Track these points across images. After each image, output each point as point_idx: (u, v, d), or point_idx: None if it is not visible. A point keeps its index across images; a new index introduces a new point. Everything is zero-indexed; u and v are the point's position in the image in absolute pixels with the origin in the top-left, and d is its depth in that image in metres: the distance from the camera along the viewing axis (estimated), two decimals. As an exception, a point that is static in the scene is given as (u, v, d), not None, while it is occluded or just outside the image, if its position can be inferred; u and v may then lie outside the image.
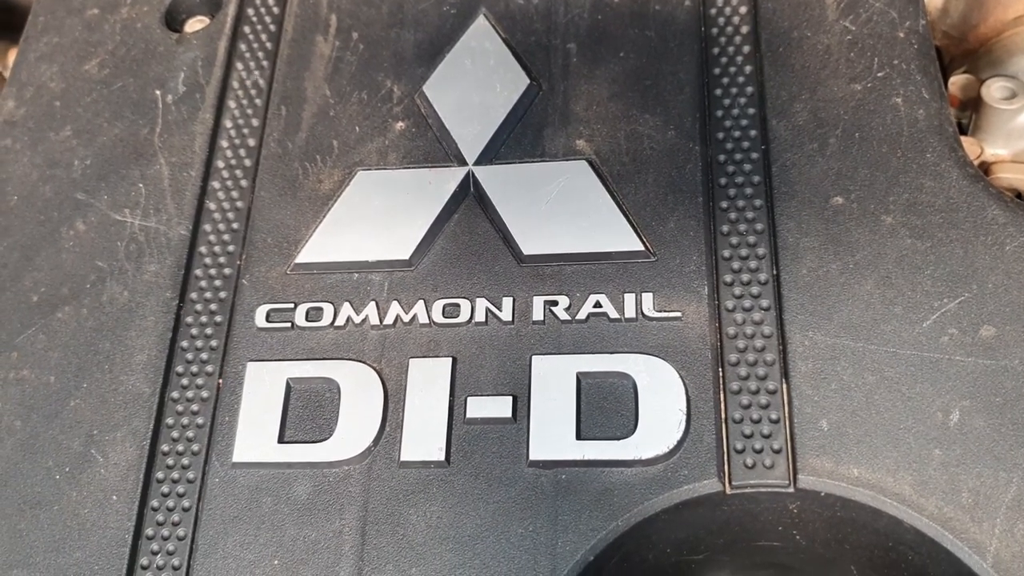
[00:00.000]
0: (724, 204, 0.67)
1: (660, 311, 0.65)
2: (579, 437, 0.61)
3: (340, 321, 0.68)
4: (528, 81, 0.75)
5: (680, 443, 0.60)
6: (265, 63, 0.79)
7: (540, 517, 0.60)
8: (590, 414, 0.62)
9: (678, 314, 0.64)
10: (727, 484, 0.59)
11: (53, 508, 0.64)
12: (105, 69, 0.82)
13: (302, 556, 0.61)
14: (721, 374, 0.62)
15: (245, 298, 0.70)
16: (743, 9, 0.75)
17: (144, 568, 0.62)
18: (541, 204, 0.69)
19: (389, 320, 0.67)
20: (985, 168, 0.81)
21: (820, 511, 0.60)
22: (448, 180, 0.72)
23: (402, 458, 0.62)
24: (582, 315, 0.65)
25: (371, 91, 0.77)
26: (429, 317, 0.67)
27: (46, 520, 0.64)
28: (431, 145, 0.74)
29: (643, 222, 0.68)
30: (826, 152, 0.68)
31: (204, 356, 0.68)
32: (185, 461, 0.64)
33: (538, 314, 0.66)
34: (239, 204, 0.74)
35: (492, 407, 0.63)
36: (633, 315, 0.65)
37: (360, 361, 0.66)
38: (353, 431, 0.64)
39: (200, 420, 0.66)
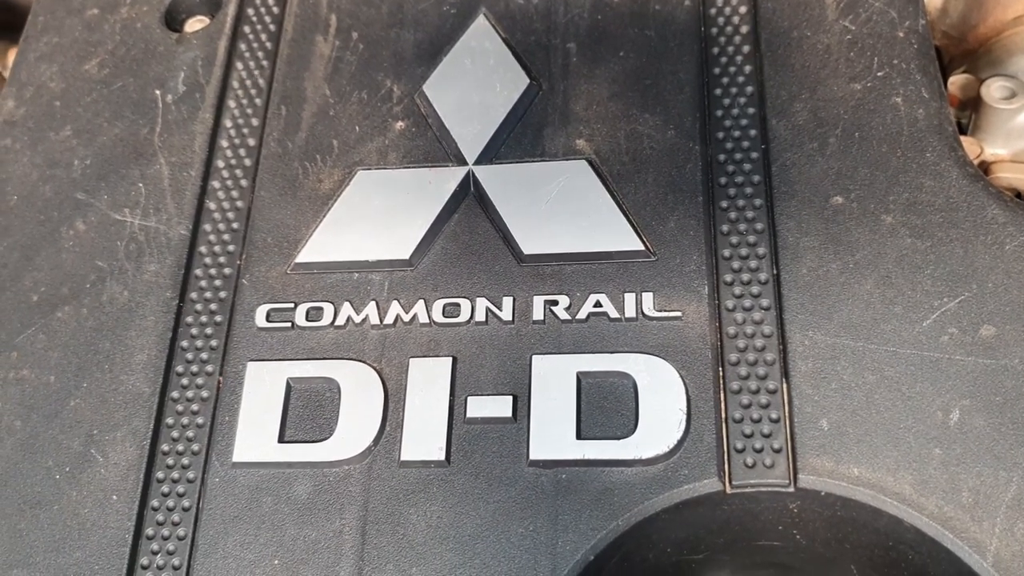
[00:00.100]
0: (724, 203, 0.68)
1: (660, 311, 0.65)
2: (579, 437, 0.61)
3: (340, 321, 0.68)
4: (528, 81, 0.75)
5: (680, 443, 0.60)
6: (265, 63, 0.79)
7: (540, 517, 0.60)
8: (590, 414, 0.62)
9: (678, 314, 0.64)
10: (727, 483, 0.59)
11: (53, 508, 0.64)
12: (105, 69, 0.82)
13: (302, 556, 0.61)
14: (721, 373, 0.62)
15: (245, 298, 0.70)
16: (743, 9, 0.75)
17: (144, 568, 0.62)
18: (541, 204, 0.69)
19: (389, 320, 0.67)
20: (985, 168, 0.81)
21: (820, 510, 0.60)
22: (448, 180, 0.72)
23: (402, 458, 0.62)
24: (582, 315, 0.65)
25: (371, 91, 0.77)
26: (429, 317, 0.67)
27: (46, 520, 0.64)
28: (431, 145, 0.74)
29: (643, 222, 0.68)
30: (826, 151, 0.68)
31: (204, 356, 0.68)
32: (185, 461, 0.64)
33: (538, 314, 0.66)
34: (239, 204, 0.73)
35: (492, 407, 0.63)
36: (633, 315, 0.65)
37: (360, 361, 0.66)
38: (353, 431, 0.64)
39: (200, 420, 0.66)
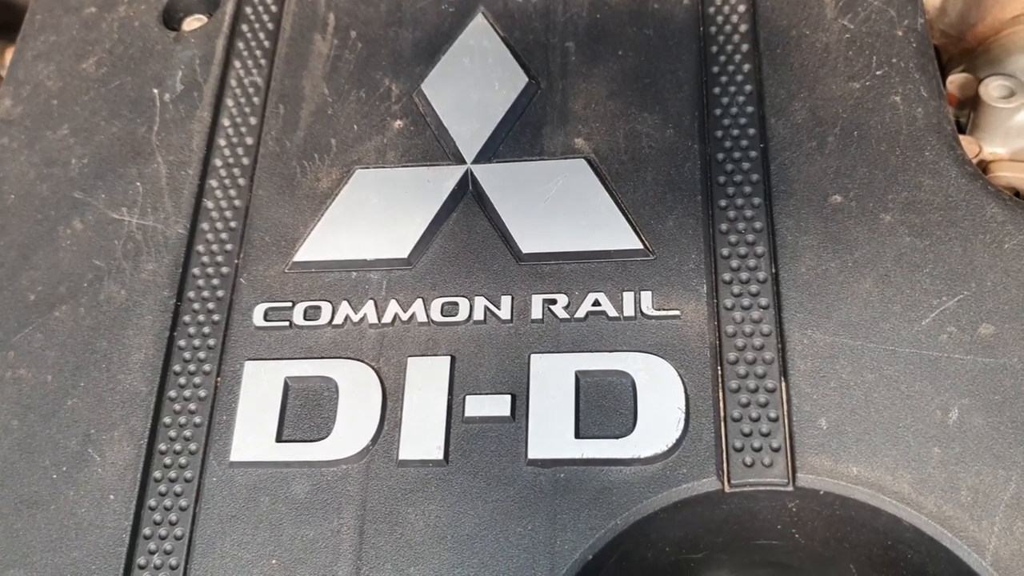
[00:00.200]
0: (723, 202, 0.67)
1: (659, 310, 0.65)
2: (578, 436, 0.61)
3: (338, 320, 0.68)
4: (527, 79, 0.74)
5: (679, 442, 0.60)
6: (263, 61, 0.79)
7: (539, 516, 0.59)
8: (589, 413, 0.62)
9: (677, 313, 0.64)
10: (726, 483, 0.59)
11: (50, 507, 0.64)
12: (103, 68, 0.82)
13: (300, 555, 0.60)
14: (720, 372, 0.62)
15: (243, 297, 0.70)
16: (741, 7, 0.75)
17: (142, 568, 0.61)
18: (540, 202, 0.69)
19: (387, 319, 0.67)
20: (983, 167, 0.81)
21: (819, 509, 0.60)
22: (446, 178, 0.71)
23: (400, 457, 0.62)
24: (581, 314, 0.65)
25: (369, 89, 0.77)
26: (428, 316, 0.67)
27: (43, 520, 0.64)
28: (429, 143, 0.74)
29: (642, 220, 0.68)
30: (825, 150, 0.68)
31: (202, 355, 0.68)
32: (183, 460, 0.64)
33: (537, 313, 0.66)
34: (237, 203, 0.73)
35: (491, 406, 0.63)
36: (632, 314, 0.65)
37: (358, 360, 0.66)
38: (351, 430, 0.63)
39: (198, 419, 0.65)
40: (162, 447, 0.65)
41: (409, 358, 0.65)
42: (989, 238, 0.63)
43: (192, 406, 0.66)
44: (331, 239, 0.71)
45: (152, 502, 0.63)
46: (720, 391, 0.61)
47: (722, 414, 0.61)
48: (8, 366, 0.69)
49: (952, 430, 0.58)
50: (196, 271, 0.71)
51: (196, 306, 0.70)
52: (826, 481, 0.58)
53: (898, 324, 0.62)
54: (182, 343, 0.68)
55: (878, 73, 0.70)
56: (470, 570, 0.58)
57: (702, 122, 0.71)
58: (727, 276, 0.65)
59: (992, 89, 0.79)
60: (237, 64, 0.80)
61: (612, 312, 0.65)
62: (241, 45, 0.80)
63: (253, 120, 0.77)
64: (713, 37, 0.74)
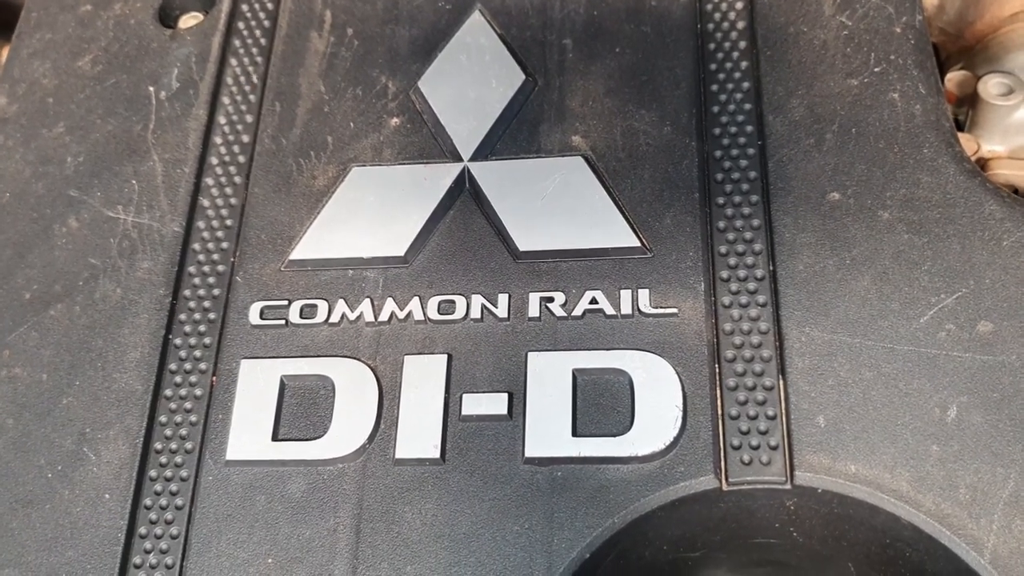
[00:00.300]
0: (720, 200, 0.67)
1: (656, 307, 0.64)
2: (575, 434, 0.61)
3: (335, 318, 0.67)
4: (524, 77, 0.74)
5: (676, 440, 0.60)
6: (259, 59, 0.79)
7: (536, 514, 0.59)
8: (586, 411, 0.62)
9: (674, 310, 0.64)
10: (724, 481, 0.59)
11: (45, 507, 0.64)
12: (98, 65, 0.82)
13: (296, 554, 0.60)
14: (717, 370, 0.62)
15: (239, 295, 0.69)
16: (739, 4, 0.74)
17: (137, 567, 0.61)
18: (537, 200, 0.69)
19: (384, 317, 0.67)
20: (982, 164, 0.80)
21: (817, 508, 0.59)
22: (443, 176, 0.71)
23: (397, 455, 0.62)
24: (578, 311, 0.65)
25: (366, 87, 0.76)
26: (424, 314, 0.67)
27: (38, 519, 0.63)
28: (426, 141, 0.73)
29: (639, 218, 0.68)
30: (823, 148, 0.68)
31: (197, 353, 0.67)
32: (178, 459, 0.64)
33: (534, 311, 0.65)
34: (233, 200, 0.73)
35: (488, 404, 0.63)
36: (629, 311, 0.65)
37: (355, 358, 0.66)
38: (347, 428, 0.63)
39: (193, 418, 0.65)
40: (158, 446, 0.65)
41: (406, 356, 0.65)
42: (987, 235, 0.63)
43: (188, 405, 0.66)
44: (327, 237, 0.70)
45: (148, 501, 0.63)
46: (718, 389, 0.61)
47: (720, 412, 0.60)
48: (3, 365, 0.69)
49: (950, 428, 0.58)
50: (192, 269, 0.71)
51: (192, 304, 0.69)
52: (824, 479, 0.58)
53: (896, 322, 0.61)
54: (178, 341, 0.68)
55: (876, 70, 0.70)
56: (467, 569, 0.58)
57: (700, 119, 0.71)
58: (725, 274, 0.65)
59: (990, 87, 0.79)
60: (233, 62, 0.79)
61: (609, 310, 0.65)
62: (237, 43, 0.80)
63: (249, 118, 0.76)
64: (711, 34, 0.74)
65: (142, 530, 0.62)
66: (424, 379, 0.64)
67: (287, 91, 0.77)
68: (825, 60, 0.71)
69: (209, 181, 0.74)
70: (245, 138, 0.76)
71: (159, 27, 0.83)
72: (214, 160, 0.75)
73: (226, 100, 0.78)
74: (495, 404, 0.62)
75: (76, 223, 0.74)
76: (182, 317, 0.69)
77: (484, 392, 0.63)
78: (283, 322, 0.68)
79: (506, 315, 0.66)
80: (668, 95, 0.72)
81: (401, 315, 0.67)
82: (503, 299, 0.66)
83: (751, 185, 0.67)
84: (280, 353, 0.67)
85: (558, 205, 0.69)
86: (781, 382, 0.61)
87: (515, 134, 0.73)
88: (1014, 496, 0.56)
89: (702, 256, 0.66)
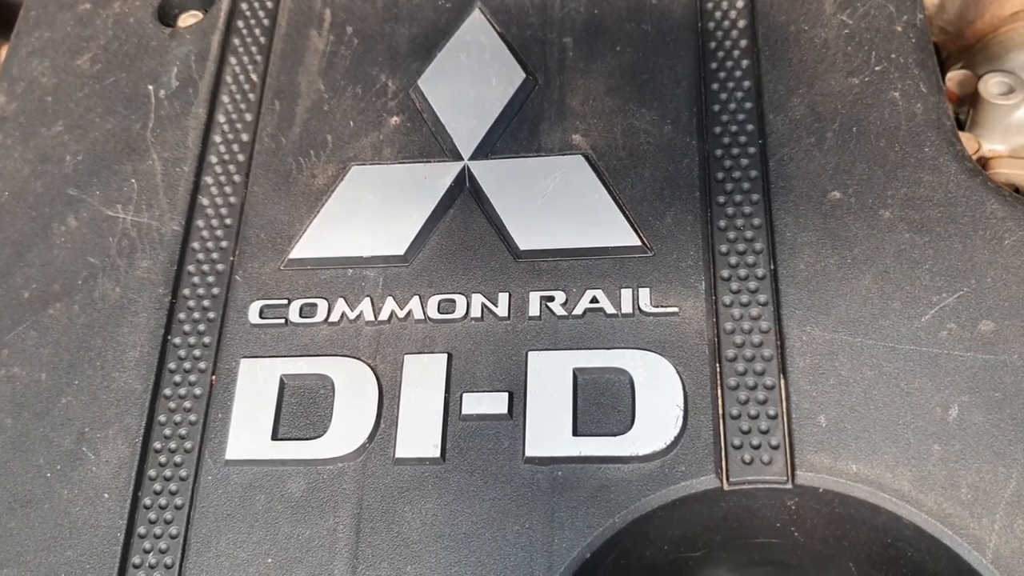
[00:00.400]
0: (721, 199, 0.67)
1: (657, 306, 0.64)
2: (575, 433, 0.61)
3: (334, 317, 0.67)
4: (524, 75, 0.74)
5: (677, 439, 0.60)
6: (259, 57, 0.79)
7: (536, 514, 0.59)
8: (587, 410, 0.62)
9: (675, 309, 0.64)
10: (724, 480, 0.59)
11: (44, 506, 0.63)
12: (97, 64, 0.82)
13: (296, 554, 0.60)
14: (718, 370, 0.62)
15: (238, 294, 0.69)
16: (740, 3, 0.74)
17: (136, 567, 0.61)
18: (537, 199, 0.69)
19: (384, 316, 0.67)
20: (983, 163, 0.80)
21: (818, 507, 0.59)
22: (443, 175, 0.71)
23: (397, 455, 0.62)
24: (578, 311, 0.65)
25: (365, 85, 0.76)
26: (424, 313, 0.66)
27: (37, 518, 0.63)
28: (426, 140, 0.73)
29: (640, 217, 0.67)
30: (824, 146, 0.68)
31: (197, 353, 0.67)
32: (178, 459, 0.64)
33: (534, 310, 0.65)
34: (232, 199, 0.73)
35: (488, 403, 0.62)
36: (630, 310, 0.64)
37: (354, 357, 0.65)
38: (347, 428, 0.63)
39: (193, 417, 0.65)
40: (157, 445, 0.64)
41: (406, 355, 0.65)
42: (989, 234, 0.63)
43: (187, 404, 0.65)
44: (327, 236, 0.70)
45: (147, 500, 0.63)
46: (719, 388, 0.61)
47: (721, 411, 0.60)
48: (2, 364, 0.69)
49: (952, 427, 0.58)
50: (191, 268, 0.71)
51: (191, 303, 0.69)
52: (825, 479, 0.58)
53: (898, 321, 0.61)
54: (177, 341, 0.68)
55: (877, 69, 0.70)
56: (467, 569, 0.58)
57: (700, 118, 0.70)
58: (725, 273, 0.65)
59: (991, 86, 0.79)
60: (233, 60, 0.79)
61: (610, 309, 0.65)
62: (237, 41, 0.80)
63: (249, 116, 0.76)
64: (711, 33, 0.74)
65: (141, 530, 0.62)
66: (424, 378, 0.64)
67: (287, 90, 0.77)
68: (826, 59, 0.71)
69: (208, 180, 0.74)
70: (244, 137, 0.75)
71: (158, 25, 0.83)
72: (213, 159, 0.75)
73: (225, 99, 0.77)
74: (495, 403, 0.62)
75: (75, 222, 0.74)
76: (181, 316, 0.69)
77: (484, 391, 0.63)
78: (283, 321, 0.68)
79: (506, 314, 0.66)
80: (669, 94, 0.72)
81: (401, 314, 0.67)
82: (503, 298, 0.66)
83: (752, 184, 0.67)
84: (280, 352, 0.67)
85: (558, 204, 0.68)
86: (782, 381, 0.61)
87: (515, 133, 0.72)
88: (1016, 496, 0.56)
89: (703, 255, 0.65)
